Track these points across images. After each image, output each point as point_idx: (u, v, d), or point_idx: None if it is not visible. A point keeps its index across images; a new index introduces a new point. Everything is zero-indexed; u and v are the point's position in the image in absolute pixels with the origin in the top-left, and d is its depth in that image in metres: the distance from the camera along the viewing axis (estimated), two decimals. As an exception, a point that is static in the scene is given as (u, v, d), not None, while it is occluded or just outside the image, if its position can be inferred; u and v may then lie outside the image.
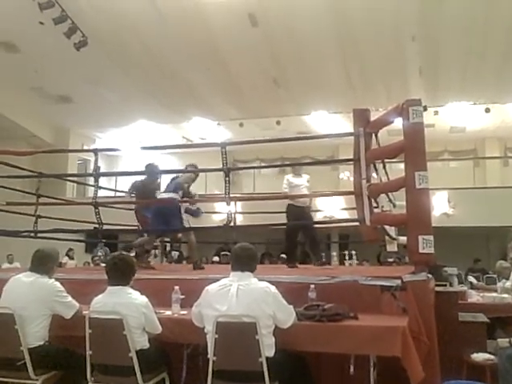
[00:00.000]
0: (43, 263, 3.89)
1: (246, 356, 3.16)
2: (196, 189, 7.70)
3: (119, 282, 3.60)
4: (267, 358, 3.13)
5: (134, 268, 3.74)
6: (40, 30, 11.50)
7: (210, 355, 3.20)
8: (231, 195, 5.70)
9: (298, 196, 6.77)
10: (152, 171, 6.90)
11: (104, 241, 7.60)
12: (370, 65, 12.61)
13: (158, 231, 6.77)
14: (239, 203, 9.00)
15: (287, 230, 7.09)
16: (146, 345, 3.52)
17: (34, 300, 3.66)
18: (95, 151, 6.06)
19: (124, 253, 3.91)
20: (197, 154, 11.71)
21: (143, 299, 3.57)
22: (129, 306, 3.46)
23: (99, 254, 8.71)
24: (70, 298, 3.80)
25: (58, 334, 3.80)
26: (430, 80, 13.13)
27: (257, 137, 13.74)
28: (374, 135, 4.83)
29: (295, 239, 7.20)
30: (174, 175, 6.92)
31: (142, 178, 7.11)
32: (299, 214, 6.86)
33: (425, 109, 4.17)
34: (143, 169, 6.98)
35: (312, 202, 7.80)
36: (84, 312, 3.67)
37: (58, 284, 3.82)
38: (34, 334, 3.62)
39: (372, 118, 4.90)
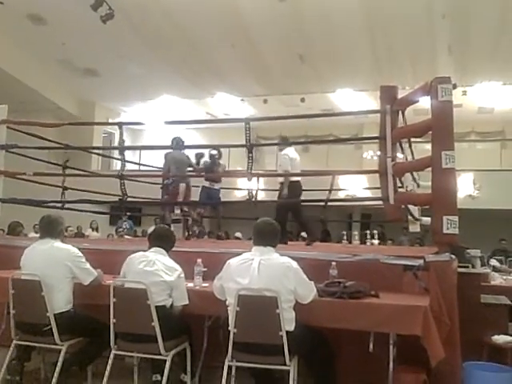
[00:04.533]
0: (53, 227, 3.93)
1: (266, 329, 3.19)
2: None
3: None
4: (287, 332, 3.16)
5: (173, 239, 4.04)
6: (67, 2, 11.53)
7: (231, 327, 3.23)
8: (253, 171, 5.71)
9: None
10: (178, 144, 7.31)
11: (128, 214, 7.73)
12: (398, 42, 12.37)
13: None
14: (261, 180, 8.98)
15: (289, 206, 6.73)
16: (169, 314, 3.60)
17: (54, 265, 3.71)
18: (120, 124, 6.10)
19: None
20: (220, 130, 11.69)
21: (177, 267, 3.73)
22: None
23: (123, 226, 8.86)
24: (88, 265, 3.85)
25: (83, 302, 3.88)
26: (459, 59, 12.84)
27: (281, 114, 13.65)
28: (400, 113, 4.75)
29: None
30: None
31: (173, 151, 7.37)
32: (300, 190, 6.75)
33: (454, 87, 4.07)
34: (170, 142, 7.37)
35: None
36: (108, 281, 3.75)
37: (75, 249, 3.87)
38: (59, 300, 3.69)
39: (399, 96, 4.83)
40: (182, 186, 7.19)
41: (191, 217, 7.59)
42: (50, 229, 3.92)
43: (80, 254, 3.86)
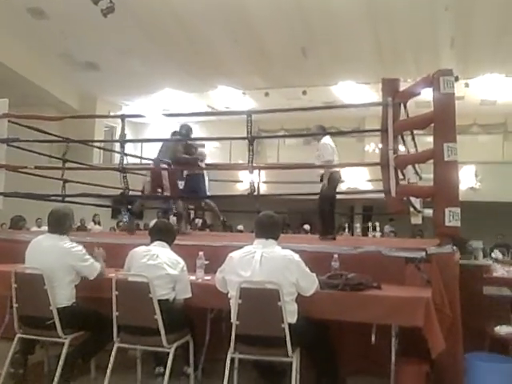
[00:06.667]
0: (61, 223, 3.90)
1: (268, 322, 3.20)
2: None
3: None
4: (289, 325, 3.17)
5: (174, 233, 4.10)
6: (67, -5, 11.51)
7: (234, 320, 3.25)
8: (255, 164, 5.68)
9: (331, 166, 6.13)
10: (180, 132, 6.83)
11: (130, 207, 7.67)
12: (400, 35, 12.32)
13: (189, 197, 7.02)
14: (263, 173, 9.00)
15: (330, 196, 6.05)
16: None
17: (58, 263, 3.70)
18: (122, 117, 6.10)
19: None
20: (221, 122, 11.66)
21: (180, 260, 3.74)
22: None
23: (124, 219, 8.83)
24: (91, 261, 3.85)
25: (86, 295, 3.89)
26: (462, 51, 12.78)
27: (282, 107, 13.62)
28: (402, 106, 4.74)
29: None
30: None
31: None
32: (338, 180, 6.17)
33: (456, 79, 4.07)
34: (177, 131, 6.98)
35: None
36: (110, 275, 3.76)
37: (78, 248, 3.84)
38: (62, 294, 3.70)
39: (401, 89, 4.81)
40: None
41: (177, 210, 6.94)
42: (56, 224, 3.90)
43: (83, 251, 3.84)
